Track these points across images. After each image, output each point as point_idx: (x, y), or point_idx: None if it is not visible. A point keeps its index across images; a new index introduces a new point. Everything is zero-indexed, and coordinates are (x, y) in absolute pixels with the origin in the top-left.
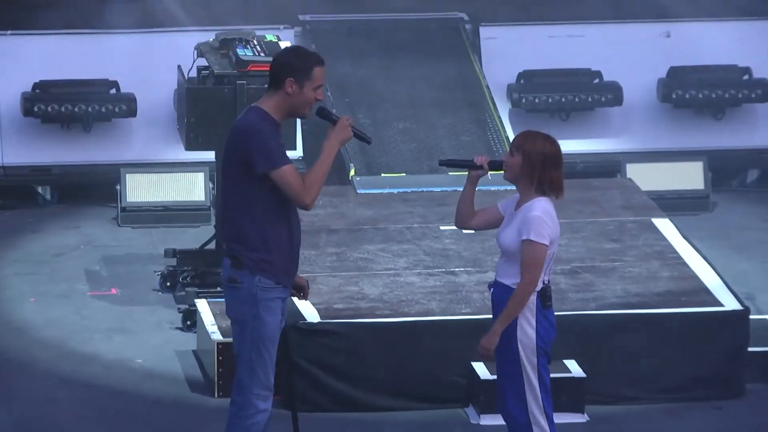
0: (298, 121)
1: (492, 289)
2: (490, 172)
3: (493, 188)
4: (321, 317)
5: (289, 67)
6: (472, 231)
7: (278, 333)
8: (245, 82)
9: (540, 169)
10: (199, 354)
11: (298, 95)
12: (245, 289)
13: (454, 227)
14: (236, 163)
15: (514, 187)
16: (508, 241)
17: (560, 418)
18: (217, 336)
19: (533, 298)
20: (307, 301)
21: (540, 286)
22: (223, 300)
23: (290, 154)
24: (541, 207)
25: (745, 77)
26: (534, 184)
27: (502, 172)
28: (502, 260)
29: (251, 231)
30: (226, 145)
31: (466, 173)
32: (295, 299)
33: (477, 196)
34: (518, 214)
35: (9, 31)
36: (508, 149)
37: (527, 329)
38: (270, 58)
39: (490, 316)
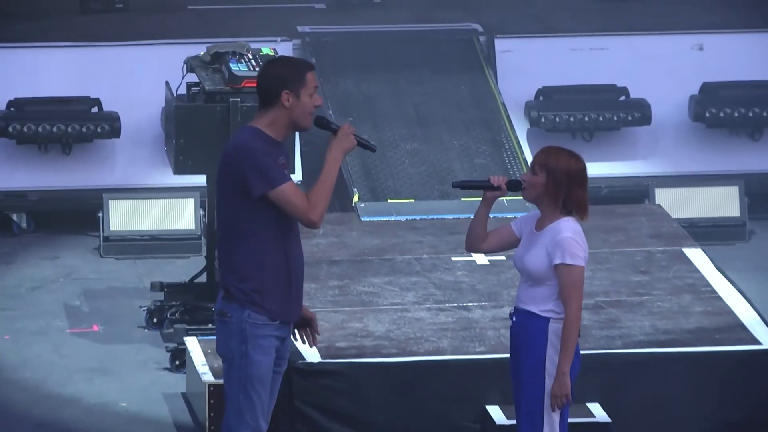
0: (297, 142)
1: (514, 318)
2: (505, 198)
3: (509, 215)
4: (322, 356)
5: (280, 79)
6: (483, 255)
7: (269, 374)
8: (239, 99)
9: (566, 187)
10: (189, 397)
11: (296, 107)
12: (234, 324)
13: (467, 258)
14: (230, 187)
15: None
16: (535, 265)
17: None
18: (208, 377)
19: (560, 326)
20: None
21: None
22: (215, 338)
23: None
24: (571, 227)
25: None
26: (559, 204)
27: (521, 192)
28: (525, 285)
29: (245, 261)
30: (219, 169)
31: (481, 198)
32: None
33: (488, 223)
34: (543, 236)
35: None
36: (525, 172)
37: (556, 360)
38: None
39: (507, 355)
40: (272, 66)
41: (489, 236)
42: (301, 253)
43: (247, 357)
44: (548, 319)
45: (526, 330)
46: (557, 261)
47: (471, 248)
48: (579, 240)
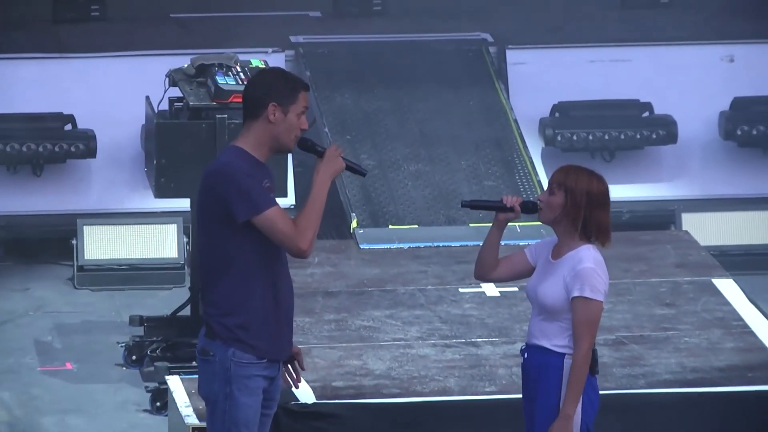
0: (290, 164)
1: (525, 355)
2: (518, 223)
3: (522, 242)
4: (317, 397)
5: (269, 89)
6: (494, 286)
7: (256, 418)
8: (226, 116)
9: (585, 209)
10: None
11: (281, 123)
12: (217, 364)
13: (476, 289)
14: (211, 213)
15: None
16: (551, 297)
17: None
18: (192, 420)
19: None
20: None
21: None
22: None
23: (281, 202)
24: (592, 257)
25: None
26: (578, 227)
27: (537, 214)
28: (538, 319)
29: (229, 294)
30: (200, 193)
31: (487, 225)
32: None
33: (499, 251)
34: (560, 266)
35: None
36: (539, 194)
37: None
38: None
39: (519, 395)
40: (264, 75)
41: (500, 264)
42: (290, 284)
43: (232, 399)
44: (563, 355)
45: (540, 367)
46: (575, 293)
47: (480, 277)
48: (601, 272)
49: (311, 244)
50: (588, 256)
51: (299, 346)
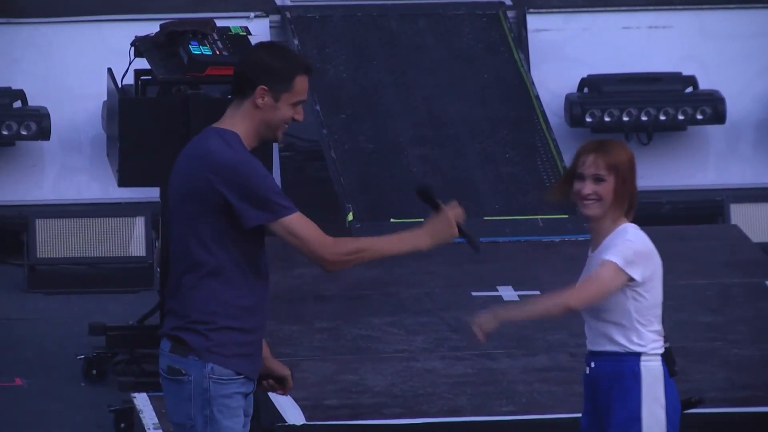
0: (276, 147)
1: (593, 364)
2: (540, 216)
3: (545, 239)
4: (307, 418)
5: (263, 69)
6: (512, 289)
7: None
8: (201, 91)
9: (632, 183)
10: None
11: (269, 110)
12: (193, 383)
13: (491, 293)
14: (202, 208)
15: None
16: None
17: None
18: None
19: (658, 364)
20: (288, 396)
21: (662, 346)
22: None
23: None
24: (633, 233)
25: None
26: (625, 206)
27: (580, 208)
28: (593, 321)
29: (207, 302)
30: (187, 178)
31: (504, 218)
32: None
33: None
34: (600, 253)
35: None
36: (582, 190)
37: (656, 409)
38: (235, 59)
39: (541, 416)
40: (261, 51)
41: None
42: (268, 292)
43: (214, 423)
44: (639, 355)
45: (613, 375)
46: (605, 257)
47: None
48: (640, 246)
49: (341, 262)
50: (626, 231)
51: (287, 365)
